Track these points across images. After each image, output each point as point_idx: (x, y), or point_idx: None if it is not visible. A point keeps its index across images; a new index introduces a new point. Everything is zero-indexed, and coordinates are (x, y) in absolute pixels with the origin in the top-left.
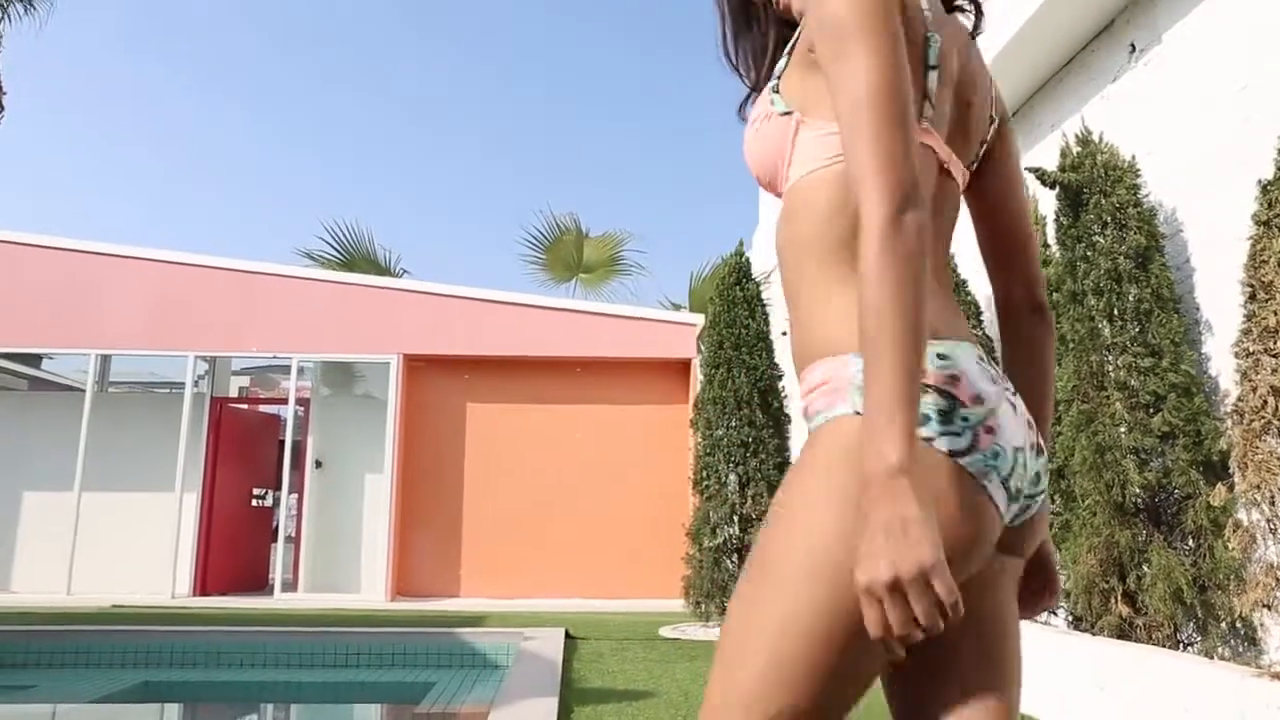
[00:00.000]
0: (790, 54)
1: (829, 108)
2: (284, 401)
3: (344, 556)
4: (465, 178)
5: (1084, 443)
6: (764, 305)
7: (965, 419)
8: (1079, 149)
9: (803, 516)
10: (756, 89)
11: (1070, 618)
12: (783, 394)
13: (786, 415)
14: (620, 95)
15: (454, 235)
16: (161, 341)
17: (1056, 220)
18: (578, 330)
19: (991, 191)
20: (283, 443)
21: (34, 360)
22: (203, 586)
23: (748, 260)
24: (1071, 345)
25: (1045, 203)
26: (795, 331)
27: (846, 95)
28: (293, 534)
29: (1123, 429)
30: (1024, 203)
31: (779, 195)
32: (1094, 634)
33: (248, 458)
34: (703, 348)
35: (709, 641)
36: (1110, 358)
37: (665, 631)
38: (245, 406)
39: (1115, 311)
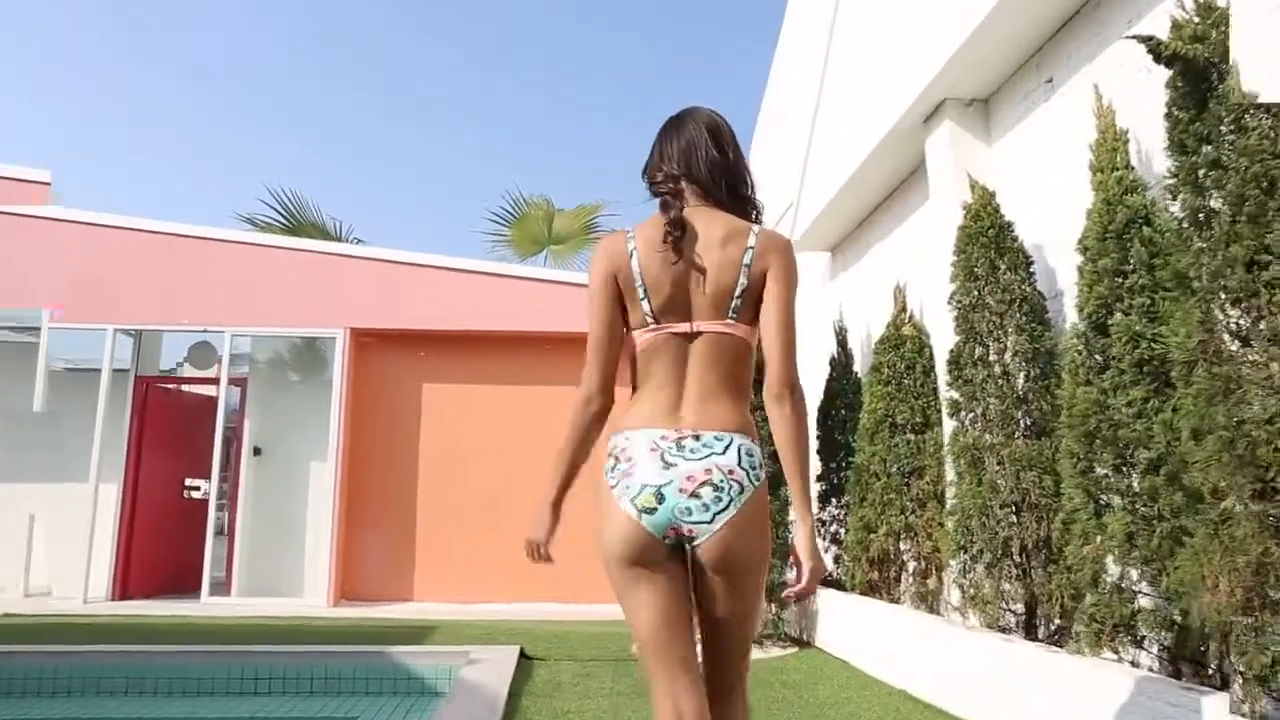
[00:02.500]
0: None
1: None
2: (216, 382)
3: (283, 555)
4: (428, 151)
5: (1219, 420)
6: None
7: (618, 468)
8: (1199, 20)
9: None
10: None
11: (1163, 657)
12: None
13: None
14: (591, 69)
15: (416, 214)
16: (78, 313)
17: (1168, 114)
18: (548, 303)
19: (760, 319)
20: (228, 427)
21: None
22: (123, 590)
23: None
24: (1195, 288)
25: (1132, 107)
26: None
27: None
28: (226, 529)
29: (1277, 401)
30: (772, 327)
31: None
32: (1228, 693)
33: (181, 444)
34: None
35: None
36: (1256, 303)
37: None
38: (175, 387)
39: (1267, 237)
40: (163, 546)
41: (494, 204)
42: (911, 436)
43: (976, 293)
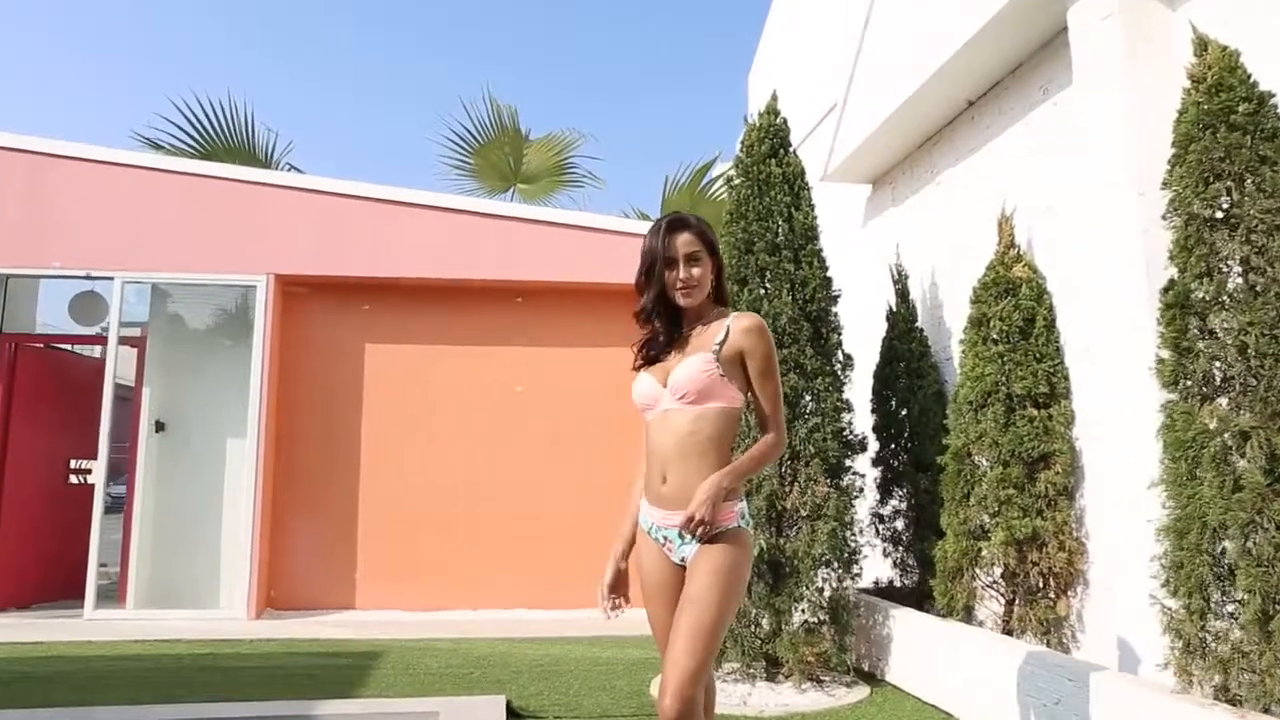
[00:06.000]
0: (721, 345)
1: (738, 380)
2: (103, 341)
3: (193, 556)
4: (386, 69)
5: None
6: (809, 189)
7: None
8: None
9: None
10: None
11: None
12: (838, 323)
13: (848, 357)
14: None
15: (368, 139)
16: None
17: None
18: (519, 245)
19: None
20: (122, 397)
21: None
22: None
23: (785, 122)
24: None
25: None
26: (683, 478)
27: (773, 387)
28: (122, 523)
29: None
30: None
31: (691, 404)
32: None
33: (67, 418)
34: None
35: None
36: None
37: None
38: (58, 347)
39: None
40: (41, 543)
41: (457, 122)
42: (1035, 412)
43: (1221, 201)
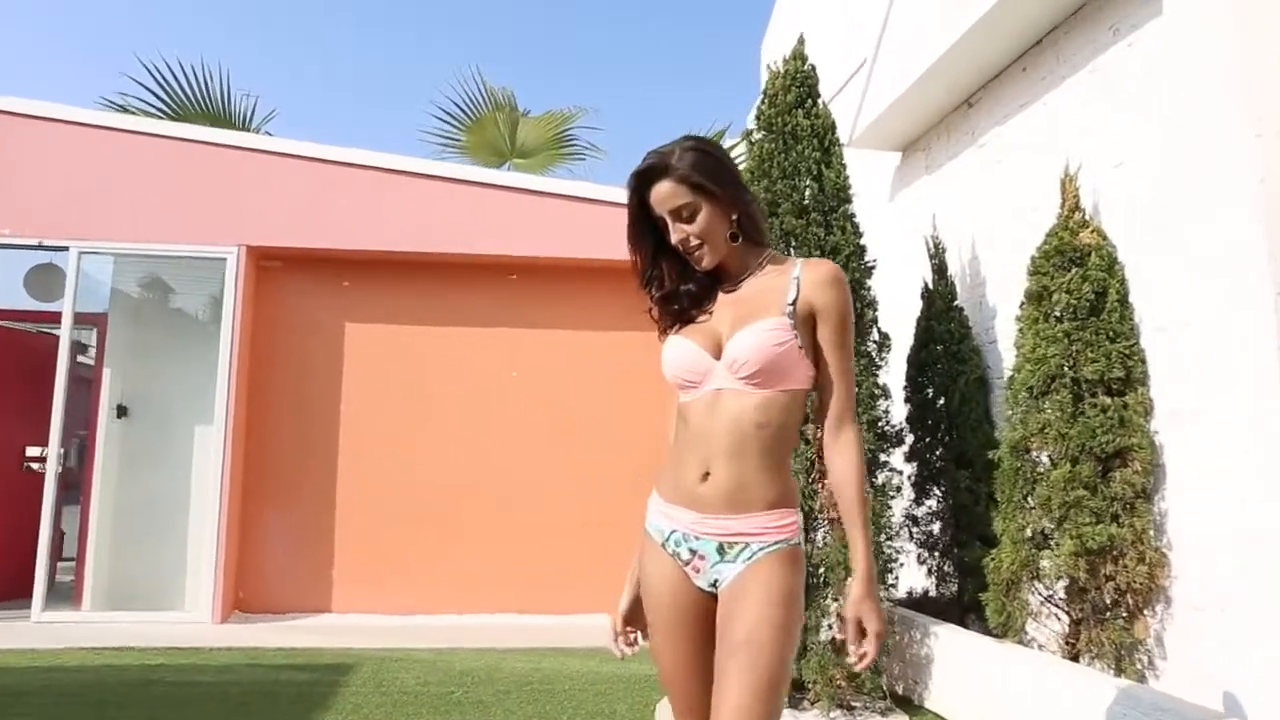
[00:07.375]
0: (795, 304)
1: (811, 351)
2: (57, 318)
3: (156, 552)
4: (386, 68)
5: None
6: (840, 144)
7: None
8: None
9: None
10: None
11: None
12: (873, 297)
13: (884, 335)
14: None
15: (366, 133)
16: None
17: None
18: (514, 217)
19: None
20: (83, 380)
21: None
22: None
23: (813, 70)
24: None
25: None
26: (737, 477)
27: (848, 361)
28: (79, 517)
29: None
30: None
31: (757, 386)
32: None
33: (23, 402)
34: None
35: None
36: None
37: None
38: (18, 326)
39: None
40: None
41: (445, 99)
42: (1108, 400)
43: None
